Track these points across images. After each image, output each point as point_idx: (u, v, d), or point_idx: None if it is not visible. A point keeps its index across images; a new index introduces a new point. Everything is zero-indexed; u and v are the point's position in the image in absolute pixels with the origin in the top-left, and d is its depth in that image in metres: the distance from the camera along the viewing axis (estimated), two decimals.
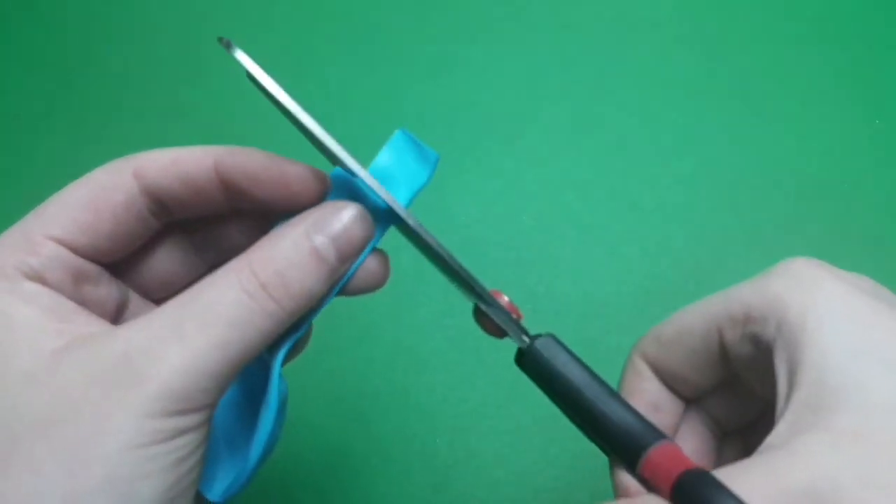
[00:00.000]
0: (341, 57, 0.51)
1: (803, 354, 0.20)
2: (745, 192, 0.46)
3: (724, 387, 0.26)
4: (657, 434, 0.23)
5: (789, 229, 0.45)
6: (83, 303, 0.23)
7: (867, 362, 0.20)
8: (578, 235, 0.45)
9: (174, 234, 0.27)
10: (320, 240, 0.22)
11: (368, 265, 0.25)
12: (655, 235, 0.45)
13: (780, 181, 0.47)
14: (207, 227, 0.27)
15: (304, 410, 0.40)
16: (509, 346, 0.26)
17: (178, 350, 0.20)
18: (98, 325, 0.22)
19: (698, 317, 0.24)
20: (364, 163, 0.23)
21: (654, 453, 0.22)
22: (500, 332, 0.25)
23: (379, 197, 0.23)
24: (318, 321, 0.25)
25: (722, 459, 0.27)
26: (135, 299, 0.26)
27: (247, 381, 0.27)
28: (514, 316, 0.25)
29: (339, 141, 0.23)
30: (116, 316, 0.25)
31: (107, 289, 0.24)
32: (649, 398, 0.25)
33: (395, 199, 0.24)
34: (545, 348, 0.24)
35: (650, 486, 0.22)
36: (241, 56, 0.21)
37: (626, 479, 0.24)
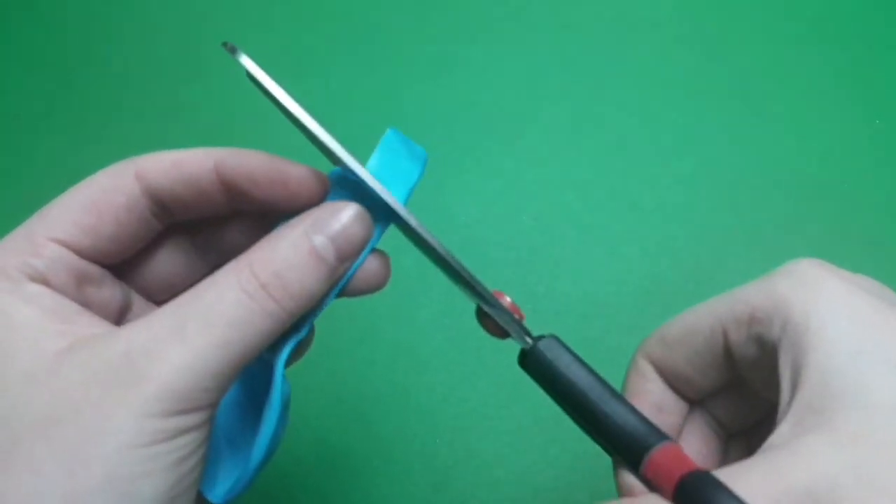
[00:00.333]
0: (341, 57, 0.51)
1: (806, 355, 0.21)
2: (745, 192, 0.46)
3: (728, 388, 0.26)
4: (660, 435, 0.23)
5: (789, 229, 0.45)
6: (86, 304, 0.23)
7: (870, 363, 0.20)
8: (578, 235, 0.45)
9: (176, 235, 0.27)
10: (319, 240, 0.22)
11: (369, 266, 0.25)
12: (655, 235, 0.45)
13: (780, 181, 0.47)
14: (209, 228, 0.27)
15: (305, 411, 0.40)
16: (509, 347, 0.26)
17: (179, 350, 0.20)
18: (100, 327, 0.22)
19: (703, 317, 0.24)
20: (361, 163, 0.24)
21: (657, 454, 0.22)
22: (502, 333, 0.25)
23: (379, 196, 0.23)
24: (318, 322, 0.25)
25: (726, 461, 0.27)
26: (138, 301, 0.26)
27: (249, 381, 0.27)
28: (517, 317, 0.25)
29: (340, 141, 0.23)
30: (119, 318, 0.25)
31: (110, 290, 0.24)
32: (653, 399, 0.25)
33: (395, 198, 0.24)
34: (548, 349, 0.25)
35: (653, 486, 0.22)
36: (246, 61, 0.21)
37: (630, 479, 0.24)
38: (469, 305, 0.26)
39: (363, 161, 0.24)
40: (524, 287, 0.44)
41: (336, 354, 0.41)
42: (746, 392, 0.25)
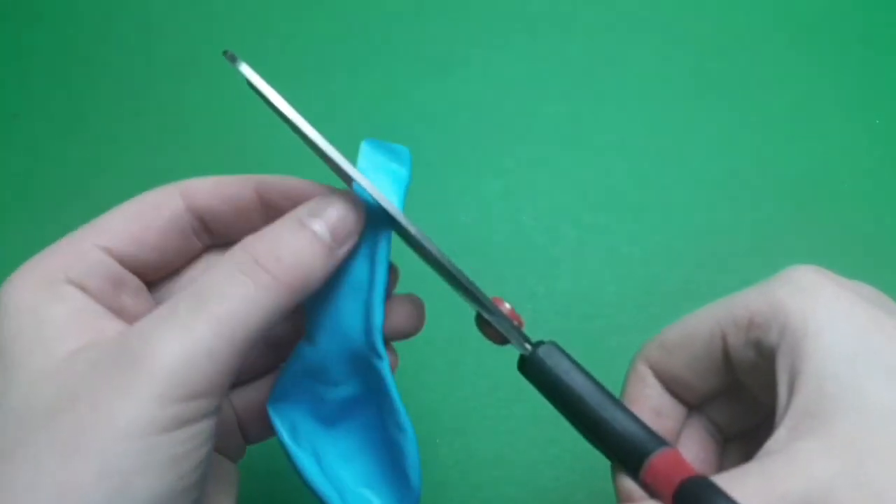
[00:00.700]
0: (341, 57, 0.51)
1: (804, 361, 0.21)
2: (745, 192, 0.46)
3: (727, 393, 0.26)
4: (659, 441, 0.23)
5: (789, 229, 0.45)
6: (120, 311, 0.23)
7: (866, 369, 0.20)
8: (578, 235, 0.45)
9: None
10: (312, 220, 0.23)
11: (404, 309, 0.27)
12: (655, 235, 0.45)
13: (780, 181, 0.47)
14: None
15: None
16: (510, 347, 0.26)
17: (171, 329, 0.20)
18: (123, 329, 0.22)
19: (702, 322, 0.25)
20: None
21: (656, 460, 0.22)
22: (501, 340, 0.25)
23: (376, 202, 0.23)
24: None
25: (723, 465, 0.27)
26: None
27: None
28: (516, 323, 0.25)
29: (340, 149, 0.23)
30: None
31: (145, 303, 0.25)
32: (652, 404, 0.26)
33: (394, 205, 0.24)
34: (547, 356, 0.25)
35: (652, 491, 0.22)
36: (246, 69, 0.22)
37: (629, 484, 0.24)
38: (468, 306, 0.26)
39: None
40: (524, 287, 0.44)
41: None
42: (744, 397, 0.25)
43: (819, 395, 0.20)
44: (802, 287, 0.22)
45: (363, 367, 0.26)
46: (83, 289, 0.23)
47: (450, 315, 0.42)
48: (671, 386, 0.26)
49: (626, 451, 0.23)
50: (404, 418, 0.25)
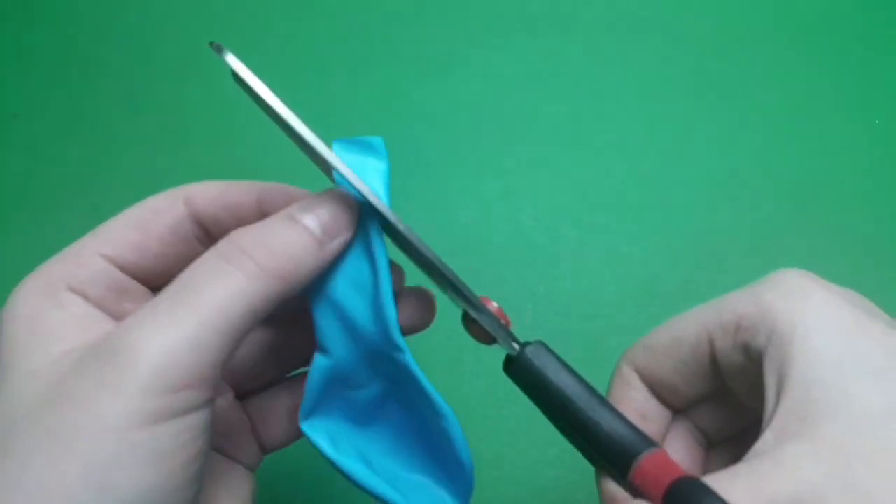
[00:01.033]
0: (341, 57, 0.51)
1: (792, 364, 0.21)
2: (744, 192, 0.46)
3: (712, 397, 0.26)
4: (648, 442, 0.23)
5: (789, 229, 0.45)
6: (122, 317, 0.23)
7: (854, 372, 0.20)
8: (578, 235, 0.45)
9: None
10: (302, 214, 0.23)
11: (411, 303, 0.26)
12: (655, 235, 0.45)
13: (780, 181, 0.47)
14: None
15: None
16: (497, 348, 0.26)
17: (153, 322, 0.20)
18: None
19: (689, 325, 0.24)
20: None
21: (646, 461, 0.22)
22: (488, 339, 0.25)
23: (362, 196, 0.23)
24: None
25: (707, 471, 0.27)
26: None
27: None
28: (503, 322, 0.25)
29: (328, 143, 0.23)
30: None
31: None
32: (637, 407, 0.25)
33: (382, 200, 0.23)
34: (535, 355, 0.24)
35: (641, 493, 0.22)
36: (232, 60, 0.21)
37: (613, 487, 0.24)
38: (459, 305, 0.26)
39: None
40: (524, 287, 0.44)
41: None
42: (730, 402, 0.25)
43: (807, 399, 0.20)
44: (790, 291, 0.22)
45: (384, 363, 0.25)
46: (84, 296, 0.23)
47: (449, 314, 0.42)
48: (657, 389, 0.26)
49: (615, 452, 0.23)
50: (440, 403, 0.25)
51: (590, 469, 0.25)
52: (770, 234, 0.45)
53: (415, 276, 0.27)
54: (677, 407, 0.26)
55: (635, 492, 0.22)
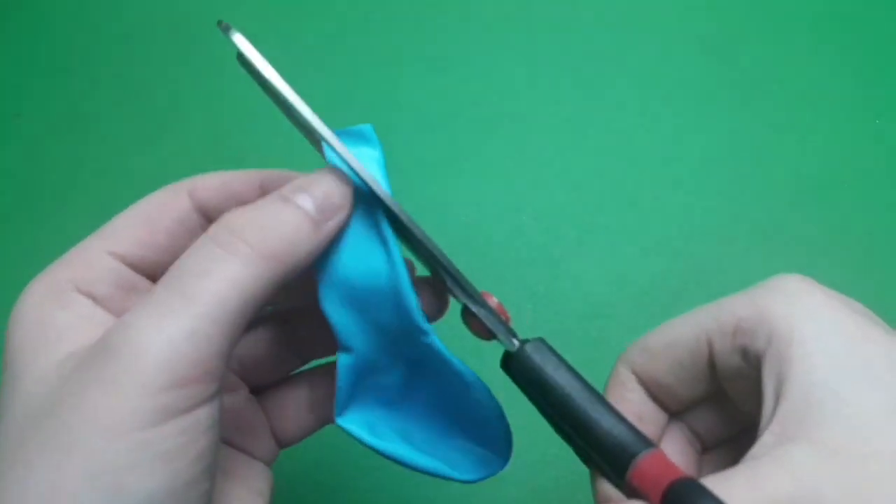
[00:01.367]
0: (341, 57, 0.51)
1: (791, 368, 0.21)
2: (744, 192, 0.46)
3: (708, 401, 0.26)
4: (646, 442, 0.23)
5: (789, 229, 0.45)
6: None
7: (853, 377, 0.20)
8: (578, 235, 0.45)
9: None
10: (295, 195, 0.22)
11: (428, 292, 0.26)
12: (655, 235, 0.45)
13: (780, 181, 0.47)
14: None
15: None
16: (496, 344, 0.26)
17: (149, 316, 0.19)
18: None
19: (688, 327, 0.24)
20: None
21: (644, 461, 0.22)
22: (487, 334, 0.25)
23: (365, 184, 0.23)
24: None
25: (701, 474, 0.27)
26: None
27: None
28: (503, 318, 0.25)
29: (332, 128, 0.23)
30: None
31: None
32: (633, 409, 0.25)
33: (385, 189, 0.23)
34: (535, 352, 0.24)
35: (638, 493, 0.22)
36: (239, 39, 0.21)
37: (608, 488, 0.24)
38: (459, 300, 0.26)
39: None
40: (524, 287, 0.44)
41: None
42: (725, 405, 0.25)
43: (806, 402, 0.20)
44: (790, 295, 0.23)
45: (405, 346, 0.25)
46: (91, 297, 0.22)
47: (449, 315, 0.42)
48: (653, 391, 0.26)
49: (613, 452, 0.23)
50: (469, 375, 0.25)
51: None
52: (770, 234, 0.45)
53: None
54: (673, 409, 0.26)
55: (632, 492, 0.22)
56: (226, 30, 0.21)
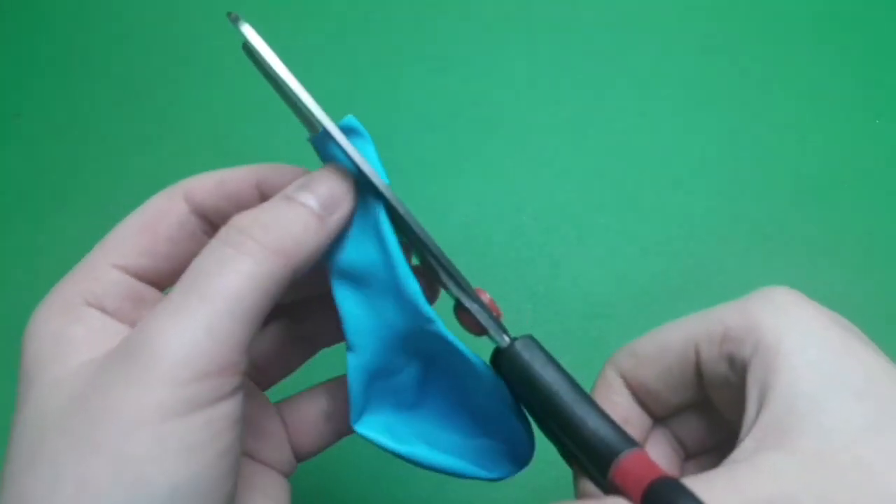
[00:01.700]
0: (341, 57, 0.51)
1: (776, 376, 0.21)
2: (744, 192, 0.46)
3: (693, 409, 0.26)
4: (630, 441, 0.23)
5: (789, 229, 0.45)
6: None
7: (836, 389, 0.21)
8: (578, 235, 0.45)
9: None
10: (299, 193, 0.23)
11: (421, 280, 0.26)
12: (655, 235, 0.45)
13: (780, 181, 0.47)
14: None
15: None
16: (486, 342, 0.26)
17: (167, 315, 0.20)
18: None
19: (677, 333, 0.25)
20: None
21: (627, 460, 0.22)
22: (479, 330, 0.25)
23: (364, 176, 0.23)
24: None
25: None
26: None
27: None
28: (495, 314, 0.25)
29: (335, 121, 0.23)
30: None
31: None
32: (619, 412, 0.26)
33: (386, 185, 0.24)
34: (524, 349, 0.24)
35: (620, 491, 0.22)
36: (248, 30, 0.22)
37: (590, 487, 0.24)
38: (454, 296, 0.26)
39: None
40: (524, 287, 0.44)
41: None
42: (710, 414, 0.26)
43: (788, 411, 0.21)
44: (779, 306, 0.23)
45: (417, 341, 0.25)
46: (102, 309, 0.23)
47: (449, 313, 0.43)
48: (640, 395, 0.26)
49: (596, 449, 0.23)
50: (479, 364, 0.25)
51: None
52: (770, 234, 0.45)
53: None
54: (658, 415, 0.26)
55: (614, 490, 0.22)
56: (235, 20, 0.22)
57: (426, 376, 0.27)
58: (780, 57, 0.51)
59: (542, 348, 0.25)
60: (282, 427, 0.28)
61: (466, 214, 0.46)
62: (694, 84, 0.50)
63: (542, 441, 0.39)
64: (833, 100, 0.50)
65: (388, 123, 0.49)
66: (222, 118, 0.49)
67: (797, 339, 0.22)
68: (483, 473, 0.26)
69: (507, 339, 0.25)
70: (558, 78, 0.51)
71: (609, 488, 0.23)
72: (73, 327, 0.22)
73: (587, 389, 0.25)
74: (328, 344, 0.29)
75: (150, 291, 0.24)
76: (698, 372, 0.24)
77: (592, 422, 0.23)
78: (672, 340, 0.25)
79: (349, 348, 0.25)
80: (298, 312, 0.29)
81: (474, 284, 0.25)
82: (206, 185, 0.25)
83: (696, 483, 0.20)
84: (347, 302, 0.25)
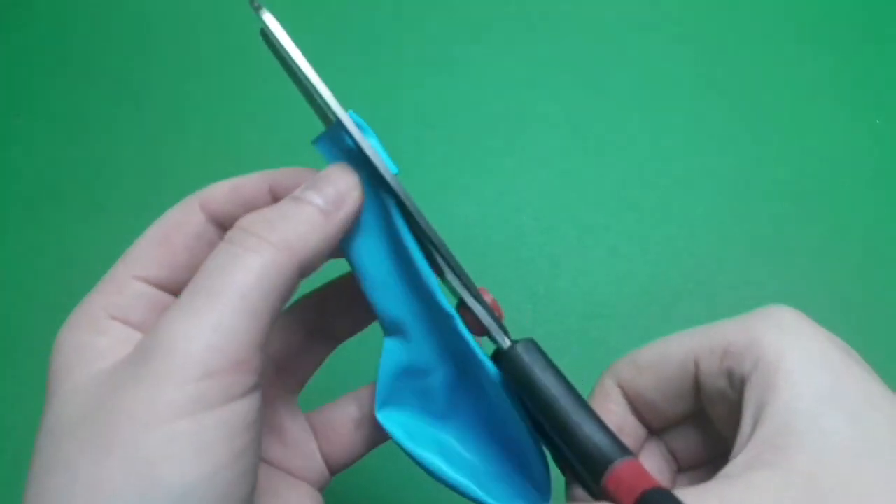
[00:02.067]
0: (341, 57, 0.51)
1: (773, 394, 0.21)
2: (744, 192, 0.46)
3: (689, 422, 0.26)
4: (625, 450, 0.23)
5: (789, 229, 0.45)
6: None
7: (833, 410, 0.21)
8: (578, 235, 0.45)
9: None
10: (306, 193, 0.23)
11: None
12: (655, 235, 0.45)
13: (780, 181, 0.47)
14: None
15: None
16: (486, 342, 0.26)
17: (176, 316, 0.20)
18: None
19: (677, 346, 0.25)
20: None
21: (621, 468, 0.22)
22: (481, 330, 0.25)
23: (374, 167, 0.24)
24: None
25: None
26: None
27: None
28: (497, 315, 0.25)
29: (347, 109, 0.24)
30: None
31: None
32: (615, 420, 0.26)
33: (397, 180, 0.24)
34: (525, 352, 0.24)
35: (612, 499, 0.22)
36: (268, 18, 0.23)
37: (582, 495, 0.24)
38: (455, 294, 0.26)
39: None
40: (524, 287, 0.44)
41: (335, 355, 0.41)
42: (706, 428, 0.26)
43: (784, 429, 0.21)
44: (781, 325, 0.23)
45: (446, 337, 0.26)
46: (126, 322, 0.23)
47: None
48: (637, 405, 0.26)
49: (591, 456, 0.23)
50: (491, 370, 0.25)
51: None
52: (770, 233, 0.45)
53: None
54: (654, 427, 0.27)
55: (606, 498, 0.23)
56: (257, 9, 0.23)
57: (455, 392, 0.27)
58: (780, 57, 0.51)
59: (542, 352, 0.25)
60: (311, 436, 0.28)
61: (466, 214, 0.46)
62: (694, 84, 0.50)
63: None
64: (833, 100, 0.50)
65: (388, 123, 0.49)
66: (223, 118, 0.49)
67: (797, 359, 0.22)
68: (488, 499, 0.26)
69: (507, 341, 0.25)
70: (558, 78, 0.51)
71: (601, 495, 0.23)
72: (96, 339, 0.22)
73: (586, 394, 0.25)
74: (346, 335, 0.29)
75: (174, 301, 0.24)
76: (696, 385, 0.24)
77: (588, 428, 0.23)
78: (672, 352, 0.25)
79: (385, 332, 0.26)
80: (319, 305, 0.29)
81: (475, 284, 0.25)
82: (221, 193, 0.25)
83: (686, 495, 0.20)
84: (376, 295, 0.25)
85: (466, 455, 0.27)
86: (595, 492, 0.23)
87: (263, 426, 0.22)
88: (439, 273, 0.25)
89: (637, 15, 0.53)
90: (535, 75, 0.51)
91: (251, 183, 0.25)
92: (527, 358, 0.24)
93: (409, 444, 0.26)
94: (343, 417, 0.28)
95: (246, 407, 0.20)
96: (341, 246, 0.24)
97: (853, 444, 0.20)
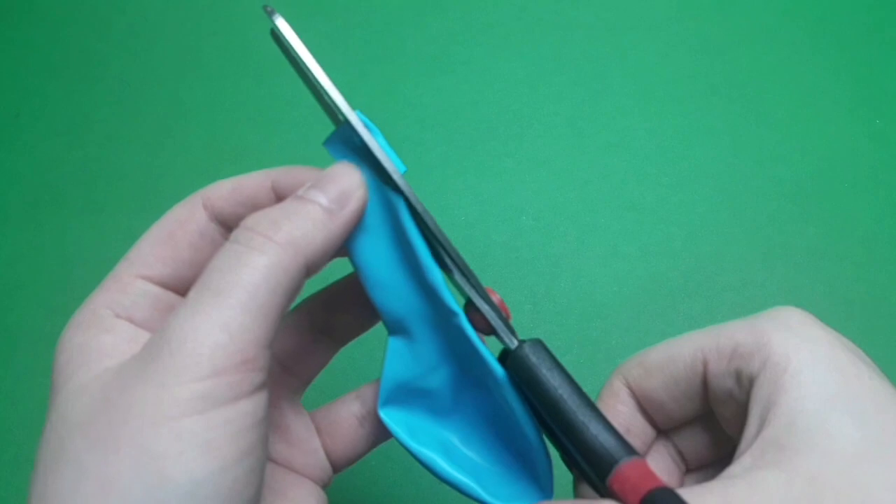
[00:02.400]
0: (341, 57, 0.51)
1: (781, 394, 0.21)
2: (744, 192, 0.47)
3: (696, 423, 0.26)
4: (630, 450, 0.23)
5: (789, 229, 0.45)
6: None
7: (840, 411, 0.21)
8: (578, 235, 0.45)
9: None
10: (309, 192, 0.23)
11: None
12: (655, 235, 0.45)
13: (780, 181, 0.47)
14: None
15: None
16: (493, 342, 0.26)
17: (182, 316, 0.20)
18: None
19: (685, 346, 0.25)
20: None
21: (626, 467, 0.22)
22: (488, 330, 0.25)
23: (383, 167, 0.24)
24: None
25: None
26: None
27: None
28: (504, 315, 0.25)
29: (356, 111, 0.24)
30: None
31: None
32: (623, 420, 0.26)
33: (404, 180, 0.24)
34: (532, 352, 0.25)
35: (618, 498, 0.22)
36: (281, 22, 0.23)
37: (590, 493, 0.24)
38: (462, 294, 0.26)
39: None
40: (524, 287, 0.44)
41: (367, 363, 0.41)
42: (713, 429, 0.26)
43: (790, 429, 0.21)
44: (789, 326, 0.23)
45: (450, 336, 0.26)
46: (130, 321, 0.23)
47: None
48: (645, 405, 0.26)
49: (597, 455, 0.23)
50: (496, 369, 0.25)
51: None
52: (770, 234, 0.45)
53: None
54: (661, 427, 0.27)
55: (611, 497, 0.23)
56: (271, 13, 0.23)
57: (459, 390, 0.27)
58: (779, 57, 0.51)
59: (549, 352, 0.25)
60: (315, 433, 0.28)
61: (466, 215, 0.46)
62: (694, 84, 0.50)
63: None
64: (833, 100, 0.50)
65: (388, 123, 0.49)
66: (223, 118, 0.49)
67: (806, 360, 0.22)
68: (489, 498, 0.26)
69: (515, 341, 0.25)
70: (558, 78, 0.51)
71: (607, 494, 0.23)
72: (102, 337, 0.22)
73: (591, 393, 0.25)
74: (352, 335, 0.29)
75: (178, 300, 0.24)
76: (704, 385, 0.25)
77: (595, 428, 0.23)
78: (681, 352, 0.25)
79: (390, 332, 0.26)
80: (324, 305, 0.29)
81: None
82: (223, 191, 0.25)
83: (689, 495, 0.20)
84: (378, 294, 0.25)
85: (468, 453, 0.27)
86: (602, 491, 0.23)
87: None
88: (447, 273, 0.25)
89: (637, 15, 0.53)
90: (536, 75, 0.51)
91: (253, 181, 0.25)
92: (534, 358, 0.24)
93: (412, 442, 0.26)
94: (346, 415, 0.28)
95: (253, 405, 0.20)
96: (344, 245, 0.24)
97: (859, 445, 0.20)
